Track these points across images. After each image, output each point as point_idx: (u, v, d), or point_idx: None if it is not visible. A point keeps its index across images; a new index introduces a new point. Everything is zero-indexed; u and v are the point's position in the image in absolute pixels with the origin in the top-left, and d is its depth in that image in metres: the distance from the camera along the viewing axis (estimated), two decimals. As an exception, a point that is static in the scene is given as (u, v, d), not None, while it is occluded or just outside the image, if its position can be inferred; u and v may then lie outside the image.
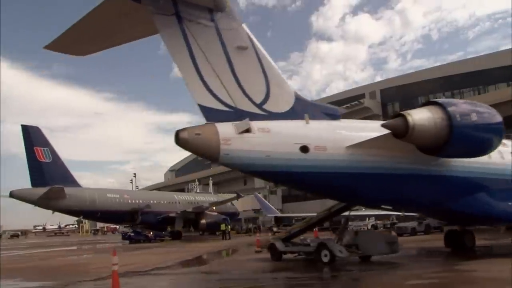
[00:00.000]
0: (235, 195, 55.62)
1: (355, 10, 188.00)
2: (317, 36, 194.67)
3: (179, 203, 52.59)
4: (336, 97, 74.08)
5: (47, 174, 43.05)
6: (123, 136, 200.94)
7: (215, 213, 51.83)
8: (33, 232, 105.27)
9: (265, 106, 13.00)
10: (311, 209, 68.50)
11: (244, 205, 60.57)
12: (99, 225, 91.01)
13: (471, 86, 61.01)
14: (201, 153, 12.57)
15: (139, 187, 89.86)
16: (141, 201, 48.60)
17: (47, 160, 43.59)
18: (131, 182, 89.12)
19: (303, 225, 21.27)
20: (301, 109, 13.58)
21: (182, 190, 74.63)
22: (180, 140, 11.90)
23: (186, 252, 27.47)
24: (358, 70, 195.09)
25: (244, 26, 13.42)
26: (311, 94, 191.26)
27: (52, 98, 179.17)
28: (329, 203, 59.00)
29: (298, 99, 13.87)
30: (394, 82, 67.41)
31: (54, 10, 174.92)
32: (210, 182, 68.98)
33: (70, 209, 44.57)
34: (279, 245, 19.04)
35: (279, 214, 41.44)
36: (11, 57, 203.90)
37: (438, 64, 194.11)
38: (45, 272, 18.56)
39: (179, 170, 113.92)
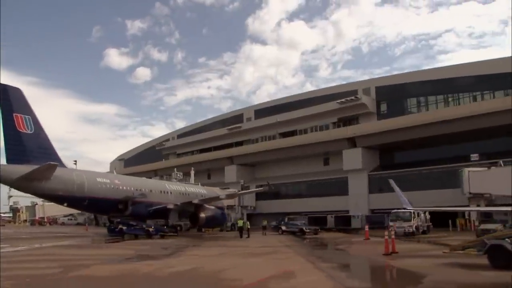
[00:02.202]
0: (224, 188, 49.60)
1: (291, 17, 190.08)
2: (252, 38, 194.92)
3: (170, 193, 45.56)
4: (326, 91, 70.65)
5: (28, 148, 34.31)
6: (44, 123, 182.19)
7: (213, 207, 45.75)
8: None
9: None
10: (284, 207, 64.87)
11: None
12: (38, 215, 79.32)
13: (467, 91, 60.13)
14: None
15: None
16: (134, 189, 41.08)
17: (28, 131, 34.73)
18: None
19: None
20: None
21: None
22: None
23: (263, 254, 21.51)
24: (289, 75, 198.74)
25: None
26: (242, 95, 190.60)
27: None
28: (297, 202, 54.73)
29: None
30: (389, 80, 65.09)
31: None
32: (192, 172, 61.58)
33: (54, 193, 35.56)
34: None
35: (415, 208, 35.04)
36: None
37: (366, 76, 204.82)
38: None
39: (129, 159, 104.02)
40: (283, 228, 45.39)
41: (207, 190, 51.61)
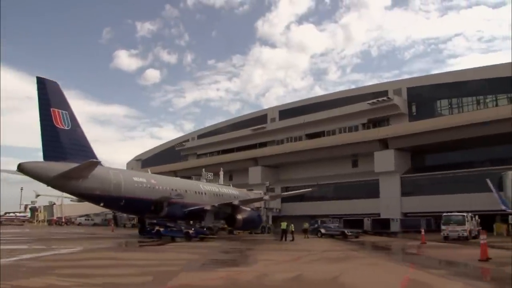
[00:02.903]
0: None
1: (301, 20, 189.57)
2: (261, 41, 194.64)
3: (205, 194, 43.97)
4: (356, 92, 68.93)
5: (65, 145, 32.75)
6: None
7: (249, 209, 44.13)
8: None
9: None
10: (310, 210, 63.14)
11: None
12: (56, 215, 77.75)
13: (504, 93, 58.08)
14: None
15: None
16: (170, 189, 39.47)
17: (66, 127, 33.21)
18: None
19: None
20: None
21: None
22: None
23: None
24: (298, 78, 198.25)
25: None
26: (251, 98, 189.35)
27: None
28: (324, 205, 53.21)
29: None
30: (421, 81, 63.30)
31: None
32: (221, 173, 59.78)
33: (91, 193, 34.00)
34: None
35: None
36: None
37: (375, 80, 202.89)
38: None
39: (146, 160, 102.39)
40: (323, 231, 43.71)
41: (239, 191, 49.98)
